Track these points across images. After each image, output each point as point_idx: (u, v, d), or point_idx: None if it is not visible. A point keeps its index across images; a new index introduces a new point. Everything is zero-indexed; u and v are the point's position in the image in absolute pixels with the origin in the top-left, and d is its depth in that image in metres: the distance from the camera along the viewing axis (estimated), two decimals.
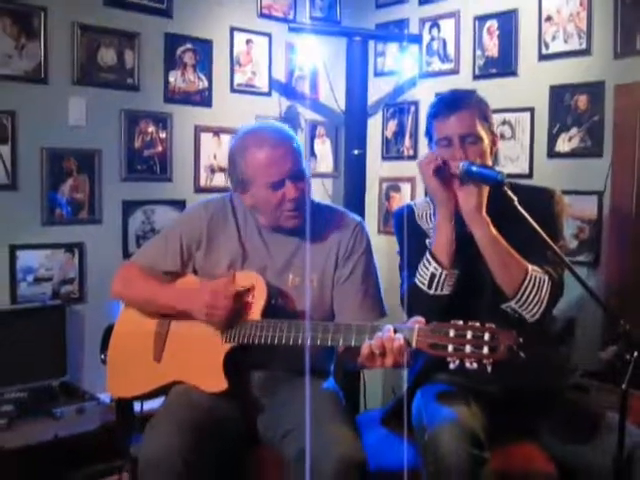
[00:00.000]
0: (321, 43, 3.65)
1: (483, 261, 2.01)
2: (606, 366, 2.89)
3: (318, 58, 3.71)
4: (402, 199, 3.89)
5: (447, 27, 3.62)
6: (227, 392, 1.92)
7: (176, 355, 2.03)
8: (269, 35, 3.67)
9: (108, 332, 2.22)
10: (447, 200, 2.01)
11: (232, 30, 3.53)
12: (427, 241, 2.16)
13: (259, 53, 3.64)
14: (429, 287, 2.01)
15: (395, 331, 1.71)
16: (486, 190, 1.99)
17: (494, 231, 1.97)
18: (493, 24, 3.42)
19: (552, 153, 3.23)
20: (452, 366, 1.64)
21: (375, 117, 3.95)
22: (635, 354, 1.81)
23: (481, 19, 3.47)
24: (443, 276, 1.99)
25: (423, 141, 3.73)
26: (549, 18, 3.21)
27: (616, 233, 3.08)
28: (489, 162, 2.08)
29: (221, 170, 3.53)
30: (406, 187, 3.88)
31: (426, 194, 2.48)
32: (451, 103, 2.06)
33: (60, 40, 3.02)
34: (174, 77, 3.34)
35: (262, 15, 3.63)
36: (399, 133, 3.91)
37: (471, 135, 2.02)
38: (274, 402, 2.04)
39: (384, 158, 3.99)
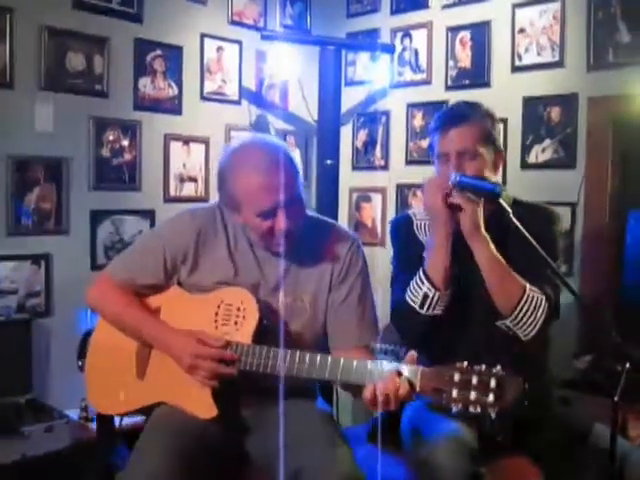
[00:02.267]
0: (293, 52, 3.61)
1: (478, 277, 1.98)
2: (581, 375, 2.93)
3: (290, 67, 3.67)
4: (373, 209, 3.87)
5: (419, 37, 3.62)
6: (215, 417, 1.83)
7: (161, 374, 1.92)
8: (240, 43, 3.61)
9: (86, 338, 2.13)
10: (447, 222, 1.95)
11: (202, 37, 3.46)
12: (425, 254, 2.08)
13: (229, 61, 3.58)
14: (421, 307, 1.96)
15: (399, 374, 1.63)
16: (481, 209, 1.95)
17: (493, 249, 1.94)
18: (466, 35, 3.43)
19: (526, 164, 3.25)
20: (454, 410, 1.56)
21: (345, 127, 3.92)
22: (627, 365, 1.82)
23: (454, 30, 3.48)
24: (436, 298, 1.95)
25: (394, 151, 3.77)
26: (522, 30, 3.24)
27: (589, 244, 3.11)
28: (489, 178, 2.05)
29: (191, 180, 3.46)
30: (377, 197, 3.86)
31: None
32: (452, 117, 2.02)
33: (27, 43, 2.91)
34: (144, 84, 3.26)
35: (233, 22, 3.57)
36: (370, 143, 3.89)
37: (468, 152, 1.98)
38: (263, 423, 1.95)
39: (354, 168, 3.97)
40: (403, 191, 3.73)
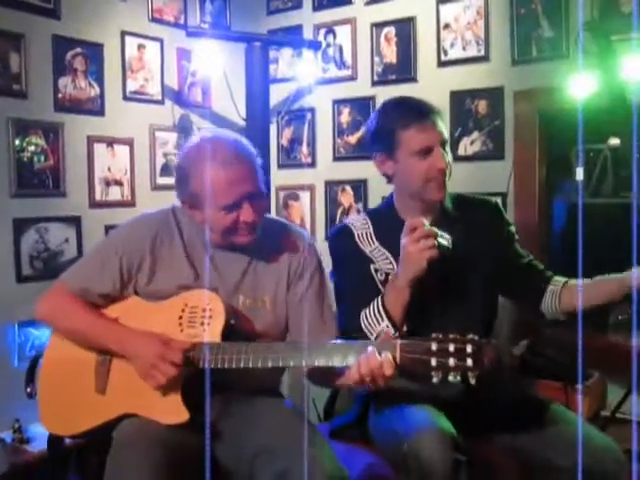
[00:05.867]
0: (217, 49, 3.53)
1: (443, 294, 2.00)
2: (519, 360, 3.02)
3: (214, 65, 3.58)
4: (302, 208, 3.84)
5: (343, 34, 3.62)
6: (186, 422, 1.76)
7: (123, 385, 1.83)
8: (161, 40, 3.49)
9: (34, 362, 2.01)
10: (423, 273, 1.86)
11: (123, 34, 3.32)
12: (371, 267, 2.06)
13: (151, 59, 3.46)
14: (377, 338, 1.89)
15: (379, 350, 1.63)
16: None
17: None
18: (390, 31, 3.46)
19: (455, 157, 3.27)
20: (435, 380, 1.58)
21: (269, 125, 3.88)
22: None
23: (378, 26, 3.50)
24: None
25: (320, 148, 3.76)
26: (447, 26, 3.30)
27: (520, 233, 3.19)
28: None
29: (116, 183, 3.32)
30: (305, 196, 3.84)
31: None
32: (424, 111, 1.97)
33: None
34: (64, 83, 3.09)
35: (153, 19, 3.45)
36: (296, 141, 3.86)
37: (447, 142, 1.99)
38: (231, 426, 1.90)
39: (280, 166, 3.93)
40: (332, 188, 3.72)
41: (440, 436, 1.77)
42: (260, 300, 1.94)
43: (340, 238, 2.13)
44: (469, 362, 1.56)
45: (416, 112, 1.98)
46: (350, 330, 1.97)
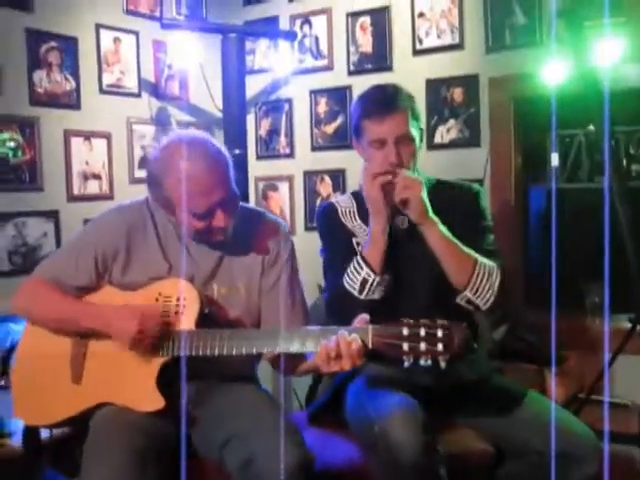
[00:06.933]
0: (193, 41, 3.52)
1: (418, 262, 2.04)
2: (499, 345, 3.05)
3: (190, 57, 3.58)
4: (281, 198, 3.85)
5: (319, 24, 3.62)
6: (162, 409, 1.79)
7: (99, 374, 1.86)
8: (137, 33, 3.48)
9: (8, 354, 2.01)
10: (385, 210, 2.00)
11: (98, 27, 3.31)
12: (353, 240, 2.14)
13: (127, 52, 3.45)
14: (360, 292, 1.99)
15: (350, 333, 1.66)
16: (425, 193, 1.99)
17: (444, 230, 2.00)
18: (366, 21, 3.47)
19: (432, 144, 3.33)
20: (407, 364, 1.63)
21: (247, 116, 3.87)
22: None
23: (354, 16, 3.51)
24: (375, 282, 1.99)
25: (299, 138, 3.77)
26: (422, 14, 3.31)
27: (497, 219, 3.21)
28: (417, 161, 2.10)
29: (94, 177, 3.31)
30: (284, 186, 3.85)
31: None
32: (385, 104, 2.03)
33: None
34: (39, 77, 3.08)
35: (129, 12, 3.44)
36: (274, 132, 3.86)
37: (405, 137, 2.02)
38: (206, 413, 1.93)
39: (259, 157, 3.93)
40: (311, 178, 3.73)
41: (410, 419, 1.80)
42: (234, 288, 1.97)
43: (325, 214, 2.25)
44: (440, 347, 1.60)
45: (376, 104, 2.04)
46: (337, 294, 2.05)
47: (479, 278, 1.98)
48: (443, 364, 1.61)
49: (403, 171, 1.99)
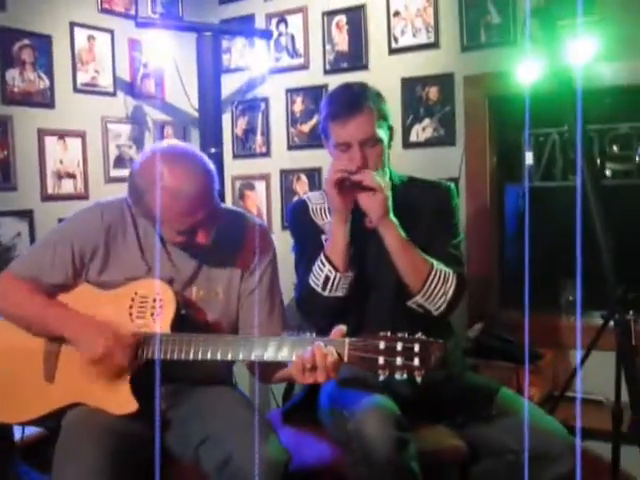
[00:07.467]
0: (168, 39, 3.50)
1: (384, 261, 2.03)
2: (475, 343, 3.07)
3: (166, 55, 3.56)
4: (258, 197, 3.85)
5: (295, 23, 3.62)
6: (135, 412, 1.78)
7: (73, 374, 1.84)
8: (111, 32, 3.46)
9: None
10: (343, 208, 2.00)
11: (72, 25, 3.28)
12: (323, 237, 2.14)
13: (102, 50, 3.42)
14: (323, 289, 2.00)
15: (325, 345, 1.65)
16: (389, 194, 1.99)
17: (402, 233, 1.99)
18: (342, 19, 3.47)
19: (407, 143, 3.34)
20: (382, 377, 1.62)
21: (224, 115, 3.85)
22: None
23: (330, 14, 3.50)
24: (337, 279, 1.99)
25: (275, 137, 3.76)
26: (397, 13, 3.32)
27: (472, 218, 3.25)
28: (386, 160, 2.09)
29: (69, 176, 3.28)
30: (261, 185, 3.84)
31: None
32: (348, 106, 2.00)
33: None
34: (12, 76, 3.04)
35: (103, 10, 3.41)
36: (250, 130, 3.85)
37: (370, 139, 2.00)
38: (181, 414, 1.93)
39: (235, 156, 3.92)
40: (287, 177, 3.73)
41: (383, 415, 1.81)
42: (213, 291, 1.96)
43: (295, 211, 2.26)
44: (416, 361, 1.59)
45: (340, 106, 2.03)
46: (303, 292, 2.06)
47: (433, 284, 1.98)
48: (419, 379, 1.60)
49: (367, 172, 1.97)
